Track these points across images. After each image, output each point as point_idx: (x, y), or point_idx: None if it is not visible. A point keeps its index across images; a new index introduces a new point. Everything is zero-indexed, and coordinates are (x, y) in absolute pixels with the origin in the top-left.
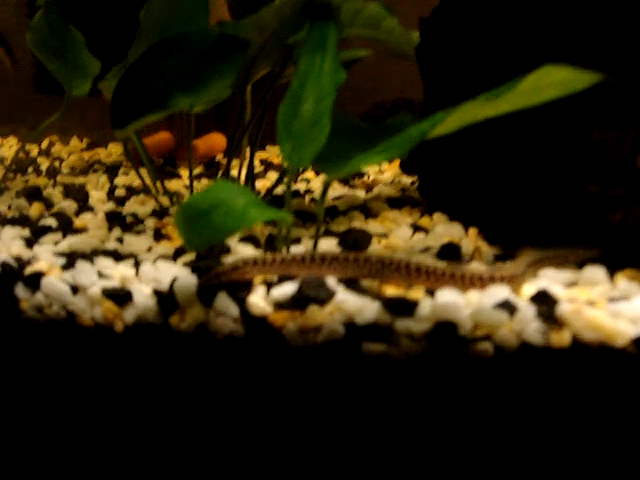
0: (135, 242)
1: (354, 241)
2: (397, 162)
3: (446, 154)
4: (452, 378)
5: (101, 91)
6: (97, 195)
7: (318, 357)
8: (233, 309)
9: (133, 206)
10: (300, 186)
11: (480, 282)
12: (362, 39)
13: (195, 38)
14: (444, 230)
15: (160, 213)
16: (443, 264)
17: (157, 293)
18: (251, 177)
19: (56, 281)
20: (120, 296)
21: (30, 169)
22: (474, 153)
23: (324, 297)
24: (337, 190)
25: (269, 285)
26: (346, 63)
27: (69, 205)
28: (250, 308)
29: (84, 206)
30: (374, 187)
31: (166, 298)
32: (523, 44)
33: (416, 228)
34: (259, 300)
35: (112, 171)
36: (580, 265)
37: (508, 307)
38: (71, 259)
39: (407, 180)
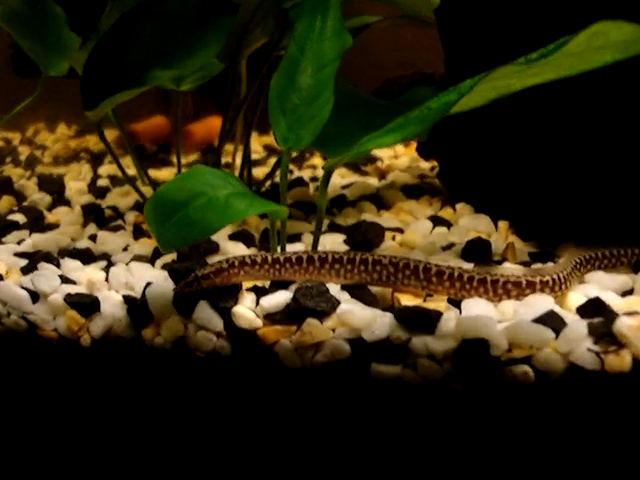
0: (110, 240)
1: (364, 237)
2: (414, 145)
3: (472, 135)
4: (482, 409)
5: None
6: (76, 186)
7: (318, 381)
8: (216, 321)
9: (115, 198)
10: (305, 173)
11: (517, 289)
12: (375, 3)
13: (174, 1)
14: (469, 223)
15: (142, 206)
16: (470, 266)
17: (128, 301)
18: (247, 164)
19: (14, 286)
20: (85, 305)
21: (8, 159)
22: (506, 133)
23: (325, 308)
24: (346, 177)
25: (259, 292)
26: (353, 30)
27: (42, 198)
28: (236, 320)
29: (59, 199)
30: (388, 174)
31: (138, 308)
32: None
33: (437, 221)
34: (246, 311)
35: (98, 160)
36: (636, 268)
37: (553, 321)
38: (33, 260)
39: (426, 166)
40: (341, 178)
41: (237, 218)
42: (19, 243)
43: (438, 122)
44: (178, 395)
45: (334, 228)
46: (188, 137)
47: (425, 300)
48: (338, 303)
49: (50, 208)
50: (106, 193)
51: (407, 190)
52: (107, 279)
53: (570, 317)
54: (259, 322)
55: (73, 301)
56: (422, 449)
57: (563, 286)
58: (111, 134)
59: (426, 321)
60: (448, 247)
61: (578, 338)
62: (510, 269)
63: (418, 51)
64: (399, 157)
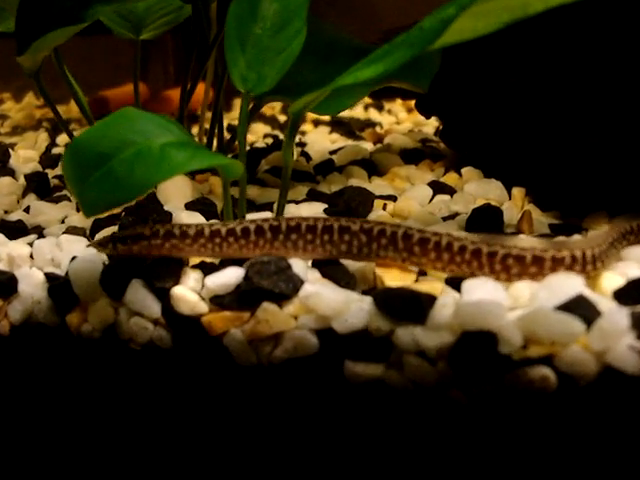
0: (47, 211)
1: (347, 205)
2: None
3: (482, 84)
4: (488, 424)
5: None
6: (25, 155)
7: (278, 381)
8: (152, 305)
9: None
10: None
11: (536, 266)
12: None
13: None
14: (477, 190)
15: None
16: (475, 237)
17: (50, 280)
18: (218, 121)
19: None
20: (1, 284)
21: None
22: (524, 82)
23: (284, 289)
24: (338, 143)
25: (206, 270)
26: None
27: None
28: (176, 304)
29: (3, 168)
30: (385, 138)
31: (60, 287)
32: None
33: (438, 188)
34: (188, 292)
35: (59, 128)
36: None
37: (582, 309)
38: None
39: (429, 130)
40: (331, 144)
41: (174, 172)
42: None
43: (441, 69)
44: (109, 396)
45: (314, 196)
46: (166, 103)
47: (417, 280)
48: (301, 283)
49: None
50: (58, 162)
51: (405, 155)
52: (32, 255)
53: (605, 303)
54: (204, 307)
55: None
56: (409, 472)
57: (596, 263)
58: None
59: (415, 307)
60: (450, 217)
61: (616, 332)
62: (526, 242)
63: None
64: (402, 123)
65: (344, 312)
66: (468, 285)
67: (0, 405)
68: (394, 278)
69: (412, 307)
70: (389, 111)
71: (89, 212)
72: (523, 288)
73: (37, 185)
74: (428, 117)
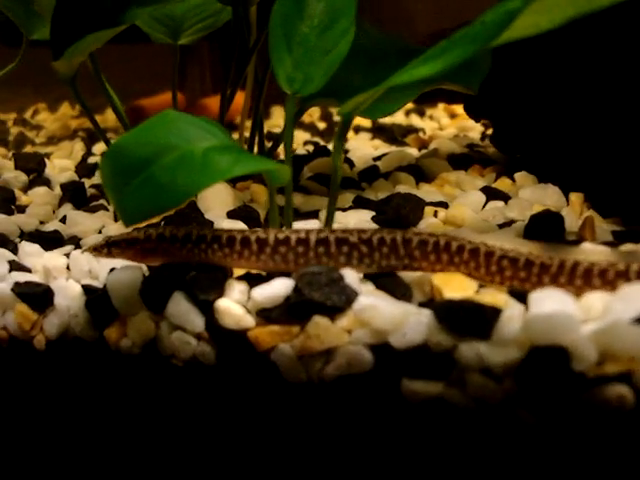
0: (84, 221)
1: (396, 212)
2: (462, 117)
3: (537, 85)
4: (558, 446)
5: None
6: (61, 164)
7: (329, 400)
8: (195, 319)
9: None
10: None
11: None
12: None
13: None
14: (533, 195)
15: None
16: (537, 247)
17: (87, 292)
18: (258, 129)
19: None
20: (36, 296)
21: None
22: (582, 83)
23: (337, 302)
24: (381, 149)
25: (252, 281)
26: None
27: (16, 177)
28: (220, 318)
29: (38, 178)
30: (430, 144)
31: (98, 300)
32: None
33: (490, 194)
34: (234, 305)
35: (95, 138)
36: None
37: None
38: None
39: (475, 135)
40: (374, 150)
41: (218, 178)
42: None
43: (491, 71)
44: (150, 415)
45: (361, 203)
46: (202, 112)
47: (478, 292)
48: (355, 295)
49: (27, 189)
50: (95, 171)
51: (453, 160)
52: (69, 266)
53: None
54: (250, 320)
55: (22, 291)
56: None
57: None
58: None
59: (479, 321)
60: (506, 224)
61: None
62: (590, 251)
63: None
64: (444, 129)
65: (402, 326)
66: (536, 297)
67: (37, 423)
68: (453, 289)
69: (476, 320)
70: (431, 117)
71: (128, 221)
72: (595, 300)
73: (73, 194)
74: (477, 120)
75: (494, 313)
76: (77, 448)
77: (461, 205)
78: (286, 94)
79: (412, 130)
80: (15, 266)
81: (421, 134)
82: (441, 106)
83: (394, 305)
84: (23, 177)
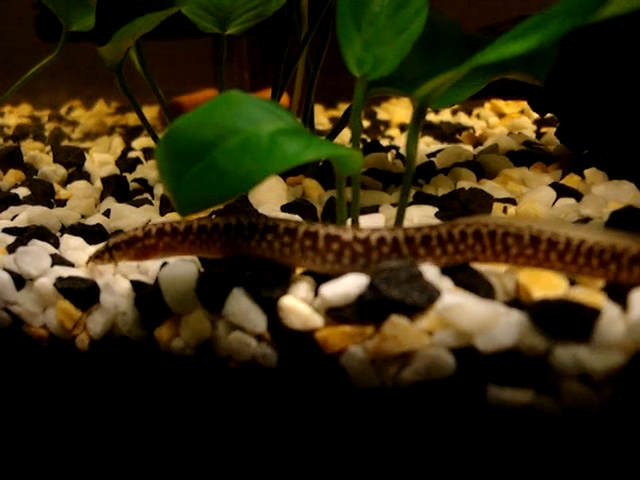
0: (128, 214)
1: (464, 207)
2: (512, 115)
3: (608, 78)
4: None
5: None
6: (100, 158)
7: (404, 408)
8: (256, 318)
9: (144, 171)
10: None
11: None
12: None
13: None
14: (607, 192)
15: None
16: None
17: (137, 289)
18: (308, 122)
19: None
20: (80, 292)
21: (31, 135)
22: None
23: (418, 301)
24: (433, 146)
25: (319, 277)
26: None
27: (55, 170)
28: (285, 317)
29: (78, 172)
30: (485, 141)
31: (149, 297)
32: None
33: (560, 190)
34: (300, 304)
35: (134, 133)
36: None
37: None
38: (24, 237)
39: (530, 133)
40: (426, 147)
41: (287, 164)
42: (13, 219)
43: (559, 64)
44: (202, 420)
45: (422, 199)
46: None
47: (569, 290)
48: (438, 293)
49: (66, 183)
50: (136, 165)
51: (514, 157)
52: None
53: None
54: (318, 320)
55: (64, 287)
56: None
57: None
58: (152, 112)
59: (578, 322)
60: (582, 221)
61: None
62: None
63: None
64: (493, 127)
65: (490, 328)
66: (638, 296)
67: (79, 430)
68: (542, 287)
69: (575, 322)
70: (478, 115)
71: (185, 210)
72: None
73: (116, 188)
74: (543, 115)
75: (593, 314)
76: (122, 456)
77: (532, 201)
78: (355, 77)
79: (461, 128)
80: (57, 260)
81: (470, 131)
82: (487, 105)
83: (481, 305)
84: (62, 170)
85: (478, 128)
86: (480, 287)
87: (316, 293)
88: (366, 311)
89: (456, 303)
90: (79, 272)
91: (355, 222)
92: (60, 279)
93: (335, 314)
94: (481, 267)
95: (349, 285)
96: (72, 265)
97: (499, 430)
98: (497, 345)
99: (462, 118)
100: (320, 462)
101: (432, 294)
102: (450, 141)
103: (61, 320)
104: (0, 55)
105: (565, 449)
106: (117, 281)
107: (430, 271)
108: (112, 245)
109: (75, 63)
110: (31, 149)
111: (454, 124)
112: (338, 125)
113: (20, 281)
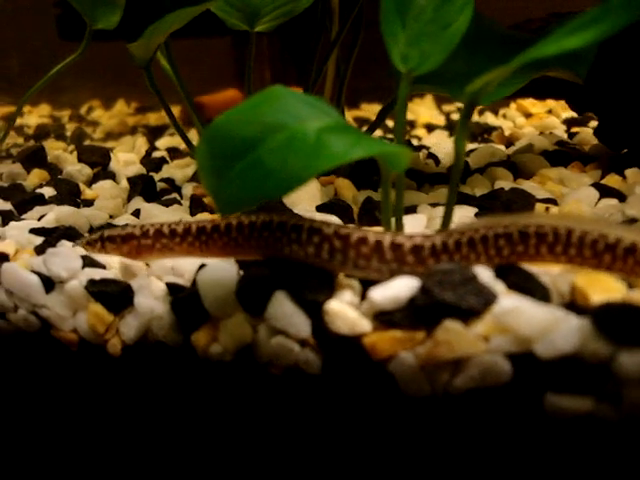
0: (158, 215)
1: (506, 208)
2: (540, 115)
3: None
4: None
5: None
6: (125, 158)
7: (457, 417)
8: (300, 323)
9: (171, 171)
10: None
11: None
12: None
13: None
14: None
15: None
16: None
17: (173, 292)
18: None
19: (22, 270)
20: (113, 296)
21: (52, 135)
22: None
23: (474, 304)
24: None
25: (364, 280)
26: None
27: (80, 170)
28: (330, 322)
29: (103, 172)
30: (517, 141)
31: (186, 301)
32: None
33: (603, 191)
34: (347, 308)
35: (156, 133)
36: None
37: None
38: (52, 238)
39: (561, 133)
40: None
41: (334, 162)
42: (40, 220)
43: (598, 61)
44: (241, 429)
45: (460, 199)
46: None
47: (629, 294)
48: (494, 297)
49: (91, 182)
50: (162, 165)
51: (550, 156)
52: (148, 262)
53: None
54: (366, 325)
55: (97, 290)
56: None
57: None
58: (172, 110)
59: None
60: (629, 222)
61: None
62: None
63: None
64: (521, 128)
65: (550, 333)
66: None
67: (112, 439)
68: (600, 291)
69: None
70: (504, 116)
71: (226, 209)
72: None
73: (143, 188)
74: (581, 113)
75: None
76: (158, 466)
77: (575, 202)
78: (400, 73)
79: (489, 128)
80: (88, 261)
81: (499, 132)
82: (513, 105)
83: (540, 309)
84: (87, 170)
85: (506, 128)
86: (536, 290)
87: (362, 297)
88: (418, 315)
89: (514, 307)
90: (111, 274)
91: (399, 222)
92: (92, 282)
93: (384, 318)
94: (532, 269)
95: (400, 288)
96: (103, 267)
97: (556, 438)
98: (557, 351)
99: (489, 118)
100: (366, 472)
101: (488, 297)
102: (480, 141)
103: (92, 324)
104: (18, 55)
105: (625, 457)
106: (152, 283)
107: (484, 273)
108: (107, 237)
109: (94, 63)
110: (54, 149)
111: (482, 124)
112: (373, 124)
113: (49, 283)
